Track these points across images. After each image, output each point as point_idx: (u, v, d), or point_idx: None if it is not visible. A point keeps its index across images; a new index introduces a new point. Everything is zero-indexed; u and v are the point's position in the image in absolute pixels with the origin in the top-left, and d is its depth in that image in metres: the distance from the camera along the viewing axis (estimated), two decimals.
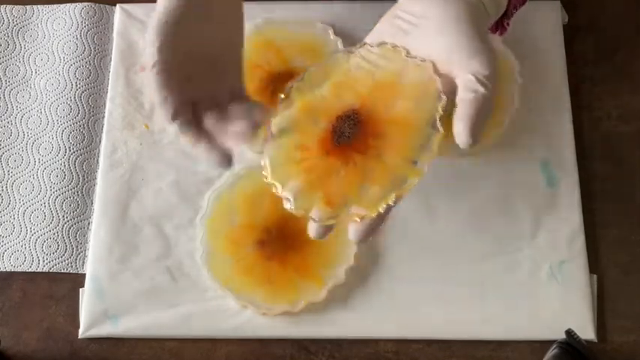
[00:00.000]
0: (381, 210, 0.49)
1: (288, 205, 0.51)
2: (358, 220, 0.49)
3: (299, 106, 0.54)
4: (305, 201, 0.51)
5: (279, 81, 0.69)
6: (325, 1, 0.74)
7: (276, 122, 0.54)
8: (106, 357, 0.63)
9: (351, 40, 0.70)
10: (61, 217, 0.67)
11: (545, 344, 0.60)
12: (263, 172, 0.53)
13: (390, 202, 0.49)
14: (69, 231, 0.67)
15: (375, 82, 0.53)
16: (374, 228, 0.50)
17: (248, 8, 0.73)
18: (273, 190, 0.52)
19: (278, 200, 0.65)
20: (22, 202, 0.68)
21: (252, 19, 0.72)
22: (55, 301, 0.65)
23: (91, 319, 0.63)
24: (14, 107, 0.72)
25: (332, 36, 0.71)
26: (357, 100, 0.52)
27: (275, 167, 0.53)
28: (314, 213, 0.50)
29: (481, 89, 0.49)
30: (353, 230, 0.50)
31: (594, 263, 0.65)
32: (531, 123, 0.69)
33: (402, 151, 0.50)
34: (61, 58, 0.73)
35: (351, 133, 0.51)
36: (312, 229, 0.51)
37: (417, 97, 0.51)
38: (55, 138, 0.70)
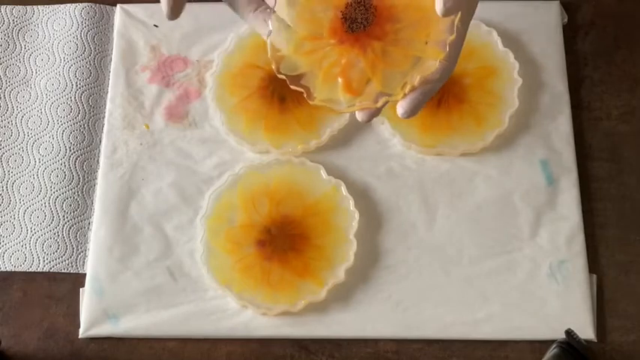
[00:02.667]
0: (406, 92, 0.48)
1: (308, 98, 0.50)
2: (379, 105, 0.49)
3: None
4: (325, 90, 0.50)
5: (279, 81, 0.69)
6: None
7: (277, 16, 0.51)
8: (106, 357, 0.63)
9: None
10: (61, 217, 0.67)
11: (545, 344, 0.60)
12: (274, 67, 0.51)
13: (416, 84, 0.48)
14: (69, 231, 0.67)
15: None
16: (421, 103, 0.50)
17: None
18: (291, 85, 0.50)
19: (278, 200, 0.65)
20: (22, 202, 0.68)
21: None
22: (55, 301, 0.65)
23: (91, 319, 0.63)
24: (14, 107, 0.72)
25: None
26: None
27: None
28: (335, 102, 0.50)
29: None
30: (401, 106, 0.50)
31: (594, 263, 0.65)
32: (531, 123, 0.69)
33: (421, 34, 0.49)
34: (62, 58, 0.73)
35: (364, 20, 0.49)
36: (359, 115, 0.51)
37: None
38: (55, 138, 0.70)
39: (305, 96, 0.50)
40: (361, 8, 0.50)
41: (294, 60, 0.51)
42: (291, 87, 0.51)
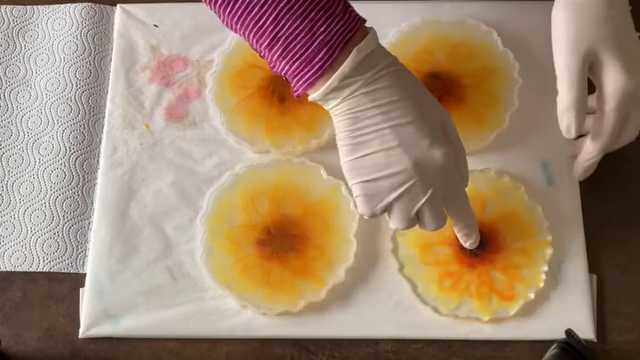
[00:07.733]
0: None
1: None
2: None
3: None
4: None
5: (279, 81, 0.69)
6: None
7: None
8: (106, 357, 0.63)
9: None
10: (61, 217, 0.67)
11: (545, 344, 0.60)
12: None
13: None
14: (69, 231, 0.67)
15: None
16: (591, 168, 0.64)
17: None
18: None
19: (278, 200, 0.65)
20: (22, 202, 0.68)
21: None
22: (55, 301, 0.65)
23: (91, 319, 0.63)
24: (14, 107, 0.72)
25: None
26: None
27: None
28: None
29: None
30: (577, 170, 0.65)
31: (594, 263, 0.65)
32: (531, 123, 0.69)
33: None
34: (62, 58, 0.73)
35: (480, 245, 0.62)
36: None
37: None
38: (55, 138, 0.70)
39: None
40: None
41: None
42: None
